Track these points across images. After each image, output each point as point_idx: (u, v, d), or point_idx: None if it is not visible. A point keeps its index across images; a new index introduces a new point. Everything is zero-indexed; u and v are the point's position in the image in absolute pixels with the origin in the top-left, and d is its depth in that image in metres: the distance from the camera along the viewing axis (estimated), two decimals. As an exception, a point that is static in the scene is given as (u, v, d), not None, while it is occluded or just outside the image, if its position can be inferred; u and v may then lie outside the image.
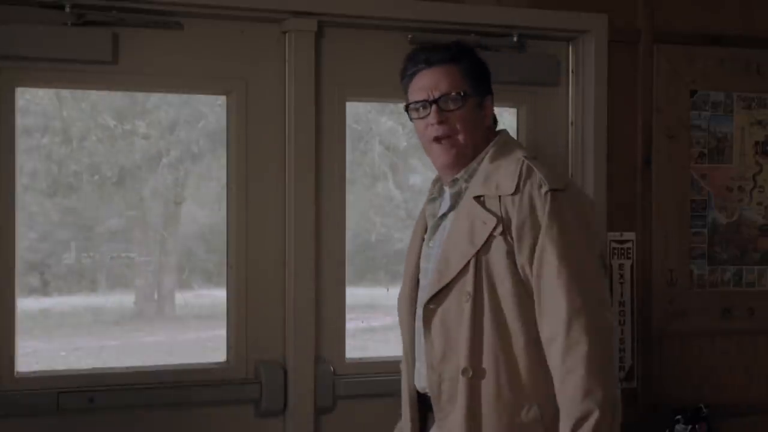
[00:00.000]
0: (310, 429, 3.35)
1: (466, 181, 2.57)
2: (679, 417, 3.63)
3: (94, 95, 3.32)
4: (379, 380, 3.35)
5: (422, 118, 2.57)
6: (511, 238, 2.44)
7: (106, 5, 3.14)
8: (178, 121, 3.42)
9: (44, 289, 3.31)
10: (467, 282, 2.47)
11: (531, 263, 2.42)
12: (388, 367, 3.34)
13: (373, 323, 3.70)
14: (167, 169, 3.40)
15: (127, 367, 3.28)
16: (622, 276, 3.67)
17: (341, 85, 3.43)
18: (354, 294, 3.49)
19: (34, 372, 3.17)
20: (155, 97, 3.38)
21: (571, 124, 3.68)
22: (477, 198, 2.52)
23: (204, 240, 3.48)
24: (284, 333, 3.36)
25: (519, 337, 2.44)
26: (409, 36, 3.47)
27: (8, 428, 3.07)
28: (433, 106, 2.54)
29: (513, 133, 3.65)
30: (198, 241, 3.49)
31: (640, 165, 3.71)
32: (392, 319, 3.46)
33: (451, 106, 2.53)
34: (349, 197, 3.47)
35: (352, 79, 3.45)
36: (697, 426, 3.61)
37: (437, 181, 2.69)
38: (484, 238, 2.47)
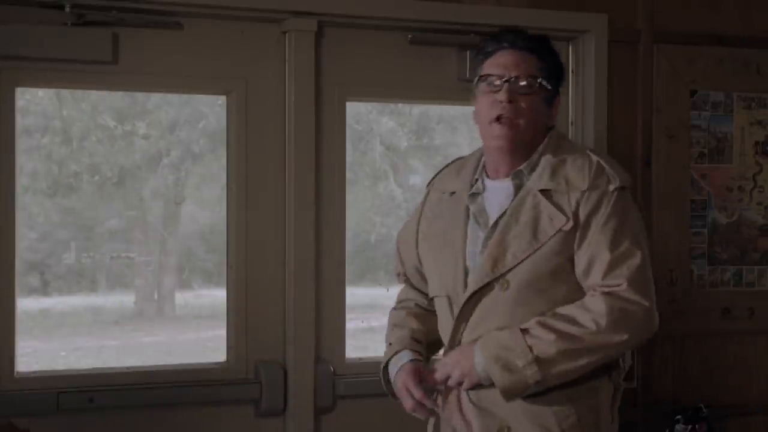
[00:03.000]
0: (310, 429, 3.35)
1: (529, 173, 2.56)
2: (679, 417, 3.63)
3: (94, 95, 3.32)
4: (379, 380, 3.35)
5: (493, 92, 2.54)
6: (576, 232, 2.47)
7: (106, 5, 3.14)
8: (178, 121, 3.43)
9: (44, 289, 3.31)
10: (519, 272, 2.48)
11: (585, 254, 2.46)
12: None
13: (373, 323, 3.70)
14: (167, 169, 3.40)
15: (127, 367, 3.28)
16: (622, 276, 3.66)
17: (341, 85, 3.43)
18: (354, 294, 3.49)
19: (34, 372, 3.18)
20: (155, 97, 3.38)
21: (571, 123, 3.68)
22: (543, 191, 2.51)
23: (204, 240, 3.48)
24: (284, 333, 3.36)
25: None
26: (409, 36, 3.47)
27: (8, 428, 3.07)
28: (506, 85, 2.52)
29: (513, 133, 3.66)
30: (198, 241, 3.49)
31: (640, 165, 3.71)
32: (392, 319, 3.45)
33: (522, 90, 2.53)
34: (349, 197, 3.47)
35: (352, 79, 3.45)
36: (697, 426, 3.61)
37: (473, 174, 2.65)
38: (550, 235, 2.48)
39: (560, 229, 2.47)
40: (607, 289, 2.44)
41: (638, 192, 3.69)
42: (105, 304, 3.39)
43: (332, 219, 3.41)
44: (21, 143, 3.17)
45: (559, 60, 2.65)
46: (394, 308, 2.82)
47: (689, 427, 3.61)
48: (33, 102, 3.27)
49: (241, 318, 3.33)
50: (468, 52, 3.47)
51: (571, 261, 2.49)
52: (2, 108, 3.10)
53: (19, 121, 3.15)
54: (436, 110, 3.68)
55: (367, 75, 3.46)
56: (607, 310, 2.42)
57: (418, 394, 2.55)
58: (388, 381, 2.68)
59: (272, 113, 3.36)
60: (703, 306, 3.78)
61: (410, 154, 3.70)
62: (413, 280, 2.79)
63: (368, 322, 3.67)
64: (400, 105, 3.65)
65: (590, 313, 2.43)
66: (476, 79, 2.61)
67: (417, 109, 3.66)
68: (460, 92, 3.52)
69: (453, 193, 2.67)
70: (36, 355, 3.26)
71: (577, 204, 2.48)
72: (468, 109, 3.68)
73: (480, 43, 2.68)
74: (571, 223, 2.47)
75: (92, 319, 3.43)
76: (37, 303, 3.30)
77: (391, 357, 2.67)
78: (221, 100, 3.38)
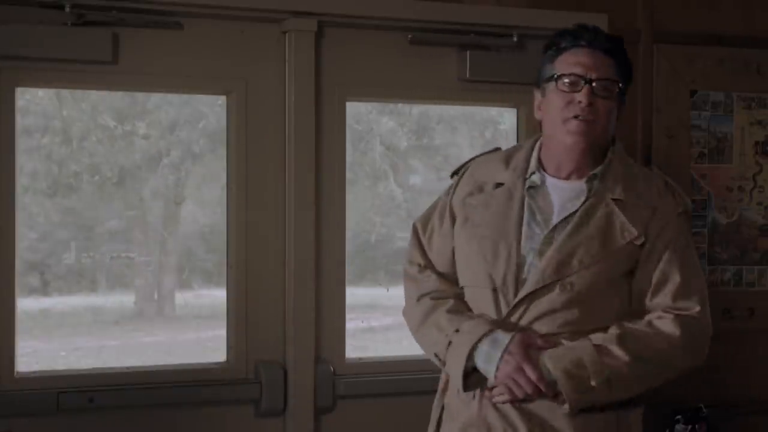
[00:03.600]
0: (310, 429, 3.35)
1: (600, 179, 2.54)
2: (679, 417, 3.63)
3: (94, 95, 3.32)
4: (379, 380, 3.36)
5: (572, 92, 2.51)
6: (642, 248, 2.48)
7: (106, 5, 3.14)
8: (178, 121, 3.42)
9: (44, 289, 3.31)
10: (581, 277, 2.46)
11: (651, 273, 2.49)
12: (388, 367, 3.36)
13: (373, 323, 3.70)
14: (167, 169, 3.40)
15: (127, 367, 3.28)
16: (622, 276, 3.66)
17: (341, 85, 3.43)
18: (354, 294, 3.49)
19: (34, 372, 3.17)
20: (155, 97, 3.38)
21: (571, 124, 3.67)
22: (616, 201, 2.50)
23: (204, 240, 3.48)
24: (284, 333, 3.36)
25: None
26: (409, 36, 3.47)
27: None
28: (587, 86, 2.49)
29: (513, 133, 3.67)
30: (198, 241, 3.49)
31: (640, 165, 3.70)
32: (392, 319, 3.47)
33: (603, 94, 2.50)
34: (349, 197, 3.47)
35: (352, 79, 3.44)
36: (697, 426, 3.61)
37: (532, 167, 2.61)
38: (619, 246, 2.47)
39: (630, 242, 2.47)
40: (680, 313, 2.45)
41: (638, 192, 3.70)
42: (105, 304, 3.39)
43: (332, 219, 3.41)
44: (21, 143, 3.16)
45: (631, 66, 2.63)
46: (424, 298, 2.67)
47: (689, 427, 3.61)
48: (33, 102, 3.27)
49: (241, 318, 3.33)
50: (468, 52, 3.47)
51: (630, 275, 2.49)
52: (2, 108, 3.10)
53: (19, 121, 3.15)
54: (436, 110, 3.68)
55: (367, 75, 3.46)
56: (682, 334, 2.44)
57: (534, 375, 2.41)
58: (472, 371, 2.51)
59: (272, 113, 3.36)
60: (703, 306, 3.77)
61: (410, 154, 3.70)
62: (444, 268, 2.70)
63: (368, 322, 3.67)
64: (400, 105, 3.64)
65: (664, 335, 2.44)
66: (552, 75, 2.54)
67: (417, 109, 3.66)
68: (460, 92, 3.53)
69: (500, 184, 2.62)
70: (36, 355, 3.26)
71: (648, 220, 2.49)
72: (467, 109, 3.70)
73: (553, 38, 2.62)
74: (642, 239, 2.47)
75: (92, 319, 3.43)
76: (37, 303, 3.30)
77: (478, 341, 2.47)
78: (221, 100, 3.38)
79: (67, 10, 3.10)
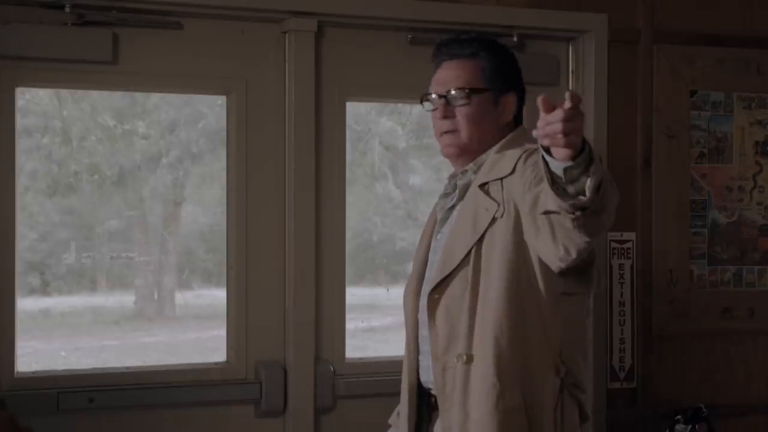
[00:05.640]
0: (310, 429, 3.35)
1: (475, 172, 2.59)
2: (679, 417, 3.63)
3: (94, 95, 3.32)
4: (379, 380, 3.35)
5: (433, 110, 2.63)
6: (514, 212, 2.45)
7: (106, 5, 3.14)
8: (178, 121, 3.43)
9: (44, 289, 3.31)
10: (469, 270, 2.50)
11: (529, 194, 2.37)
12: (388, 367, 3.35)
13: (373, 323, 3.70)
14: (167, 169, 3.40)
15: (127, 367, 3.28)
16: (622, 276, 3.66)
17: (341, 85, 3.43)
18: (354, 294, 3.49)
19: (34, 372, 3.18)
20: (155, 97, 3.38)
21: (571, 124, 3.67)
22: (482, 186, 2.54)
23: (204, 240, 3.48)
24: (284, 333, 3.36)
25: (506, 323, 2.45)
26: (409, 36, 3.47)
27: (8, 428, 3.07)
28: (442, 100, 2.60)
29: (513, 133, 3.66)
30: (198, 241, 3.49)
31: (640, 165, 3.70)
32: (392, 319, 3.47)
33: (456, 102, 2.59)
34: (349, 197, 3.47)
35: (352, 79, 3.45)
36: (697, 426, 3.61)
37: (453, 177, 2.70)
38: (486, 224, 2.49)
39: (494, 217, 2.48)
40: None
41: (638, 192, 3.70)
42: (105, 304, 3.39)
43: (332, 219, 3.41)
44: (21, 143, 3.16)
45: (505, 57, 2.67)
46: None
47: (689, 427, 3.60)
48: (33, 102, 3.27)
49: (241, 318, 3.33)
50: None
51: (517, 241, 2.47)
52: (2, 108, 3.10)
53: (19, 121, 3.15)
54: (436, 110, 3.67)
55: (367, 75, 3.46)
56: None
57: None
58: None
59: (272, 113, 3.36)
60: (703, 306, 3.78)
61: (410, 154, 3.70)
62: None
63: (368, 322, 3.67)
64: (399, 105, 3.65)
65: None
66: (420, 99, 2.68)
67: (416, 109, 3.66)
68: (460, 92, 3.52)
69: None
70: (36, 355, 3.27)
71: (508, 189, 2.47)
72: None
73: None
74: (502, 208, 2.47)
75: (92, 319, 3.43)
76: (37, 303, 3.31)
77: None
78: (221, 100, 3.38)
79: (67, 10, 3.10)
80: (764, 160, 3.88)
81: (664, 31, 3.72)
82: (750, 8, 3.85)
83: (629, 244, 3.68)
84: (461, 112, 2.59)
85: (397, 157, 3.68)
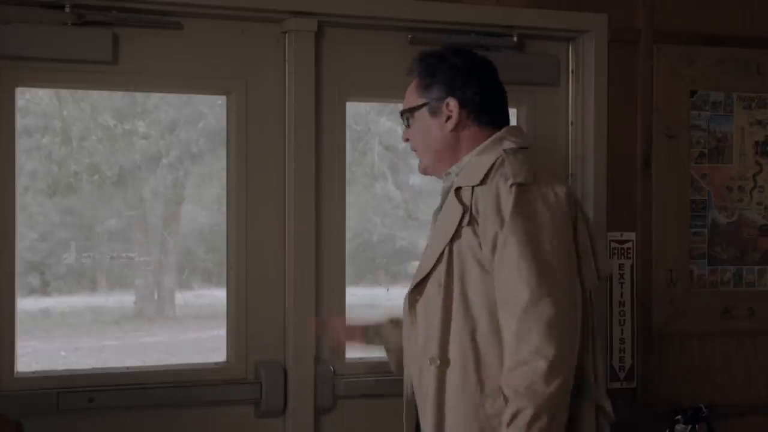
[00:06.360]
0: (310, 429, 3.35)
1: (457, 174, 2.61)
2: (679, 417, 3.63)
3: (94, 95, 3.32)
4: (379, 380, 3.35)
5: None
6: (478, 227, 2.47)
7: (106, 5, 3.14)
8: (178, 121, 3.43)
9: (44, 289, 3.31)
10: (441, 271, 2.51)
11: (493, 255, 2.42)
12: (388, 368, 3.35)
13: (373, 323, 3.69)
14: (167, 169, 3.40)
15: (127, 367, 3.28)
16: (622, 276, 3.66)
17: (341, 85, 3.43)
18: (354, 294, 3.49)
19: (34, 372, 3.17)
20: (155, 97, 3.38)
21: (571, 124, 3.68)
22: (457, 190, 2.55)
23: (204, 240, 3.48)
24: (284, 333, 3.36)
25: (484, 327, 2.44)
26: (409, 36, 3.47)
27: (8, 428, 3.07)
28: (404, 125, 2.76)
29: (513, 133, 3.66)
30: (198, 241, 3.49)
31: (640, 165, 3.70)
32: (392, 319, 3.45)
33: (408, 122, 2.73)
34: (349, 197, 3.47)
35: (352, 79, 3.45)
36: (697, 426, 3.61)
37: (444, 180, 2.72)
38: (455, 228, 2.50)
39: (460, 224, 2.50)
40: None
41: (638, 192, 3.70)
42: (105, 304, 3.39)
43: (332, 219, 3.41)
44: (21, 143, 3.16)
45: (440, 66, 2.66)
46: None
47: (689, 427, 3.61)
48: (33, 102, 3.27)
49: (241, 318, 3.33)
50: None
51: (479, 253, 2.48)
52: (2, 108, 3.10)
53: (19, 121, 3.15)
54: (436, 110, 3.67)
55: (367, 75, 3.46)
56: None
57: None
58: None
59: (272, 113, 3.36)
60: (703, 306, 3.78)
61: (409, 154, 3.69)
62: None
63: (368, 322, 3.67)
64: (399, 105, 3.63)
65: None
66: None
67: (417, 109, 3.66)
68: (460, 92, 3.52)
69: None
70: (36, 355, 3.27)
71: (476, 198, 2.49)
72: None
73: None
74: (468, 218, 2.48)
75: (92, 319, 3.43)
76: (37, 303, 3.30)
77: None
78: (221, 100, 3.38)
79: (67, 10, 3.10)
80: (764, 160, 3.88)
81: (664, 31, 3.73)
82: (750, 8, 3.85)
83: (629, 244, 3.68)
84: (409, 134, 2.72)
85: (396, 157, 3.68)
